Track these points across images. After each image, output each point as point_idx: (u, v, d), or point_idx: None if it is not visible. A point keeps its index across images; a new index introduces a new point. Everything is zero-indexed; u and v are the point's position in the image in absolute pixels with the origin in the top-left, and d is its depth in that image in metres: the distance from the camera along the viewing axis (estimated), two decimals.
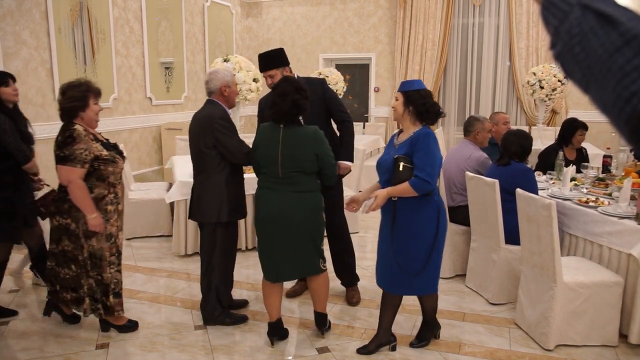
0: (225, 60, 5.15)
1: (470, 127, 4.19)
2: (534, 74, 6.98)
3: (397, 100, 2.86)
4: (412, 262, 2.81)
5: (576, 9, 0.62)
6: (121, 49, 6.84)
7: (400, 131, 2.97)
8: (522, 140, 3.70)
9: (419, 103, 2.77)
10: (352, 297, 3.77)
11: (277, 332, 3.14)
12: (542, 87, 6.89)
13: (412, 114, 2.80)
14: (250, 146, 3.15)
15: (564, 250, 3.59)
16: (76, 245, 3.02)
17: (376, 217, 6.37)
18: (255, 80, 5.28)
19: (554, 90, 6.89)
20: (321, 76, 7.18)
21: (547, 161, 4.68)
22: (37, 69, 5.57)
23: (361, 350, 3.06)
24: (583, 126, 4.76)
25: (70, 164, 2.87)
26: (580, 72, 0.63)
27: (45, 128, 5.60)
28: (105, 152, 2.99)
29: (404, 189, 2.71)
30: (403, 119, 2.85)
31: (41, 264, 3.54)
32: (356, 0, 9.45)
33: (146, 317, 3.51)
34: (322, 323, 3.21)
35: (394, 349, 3.09)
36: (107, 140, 3.15)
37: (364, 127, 9.01)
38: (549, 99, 7.02)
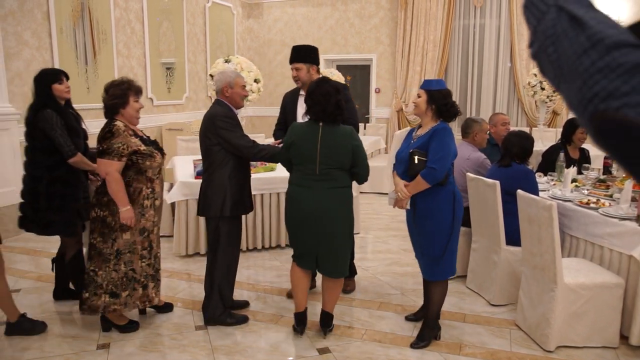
0: (226, 61, 5.16)
1: (468, 129, 4.20)
2: (535, 75, 6.98)
3: (419, 97, 3.02)
4: (432, 247, 3.02)
5: (552, 9, 0.65)
6: (122, 49, 6.85)
7: (419, 126, 3.13)
8: (524, 142, 3.70)
9: (441, 102, 2.96)
10: (347, 286, 3.91)
11: (303, 321, 3.23)
12: (543, 89, 6.89)
13: (434, 112, 2.98)
14: (253, 140, 3.29)
15: (565, 251, 3.59)
16: (107, 239, 3.09)
17: (376, 218, 6.36)
18: (256, 80, 5.29)
19: (555, 91, 6.89)
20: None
21: (550, 160, 4.67)
22: (38, 69, 5.56)
23: (410, 318, 3.46)
24: None
25: (107, 157, 2.99)
26: (552, 71, 0.66)
27: None
28: (143, 147, 3.11)
29: (418, 182, 2.93)
30: (425, 115, 3.02)
31: (69, 265, 3.59)
32: (357, 1, 9.46)
33: (147, 318, 3.51)
34: (327, 323, 3.23)
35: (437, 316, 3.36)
36: (147, 137, 3.28)
37: (364, 128, 9.01)
38: (550, 100, 7.03)
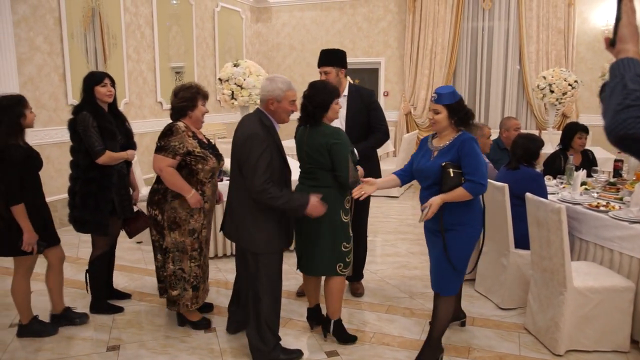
0: (235, 65, 5.19)
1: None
2: (544, 77, 6.95)
3: (438, 113, 2.81)
4: (464, 260, 2.88)
5: (619, 77, 1.18)
6: (132, 54, 6.92)
7: (433, 136, 2.98)
8: (528, 143, 3.69)
9: (462, 114, 2.82)
10: (357, 290, 3.97)
11: (314, 316, 3.38)
12: (552, 91, 6.85)
13: (455, 123, 2.84)
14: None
15: (575, 255, 3.57)
16: (161, 236, 3.21)
17: (385, 221, 6.34)
18: None
19: (564, 94, 6.85)
20: None
21: (552, 167, 4.65)
22: (50, 74, 5.64)
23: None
24: (583, 129, 4.66)
25: (163, 154, 3.10)
26: (604, 108, 1.20)
27: (57, 132, 5.68)
28: (198, 149, 3.17)
29: (460, 194, 2.73)
30: (446, 128, 2.85)
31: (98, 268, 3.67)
32: (365, 4, 9.47)
33: (156, 320, 3.54)
34: (326, 327, 3.25)
35: (463, 324, 3.41)
36: (208, 141, 3.37)
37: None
38: (560, 103, 6.99)
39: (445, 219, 2.81)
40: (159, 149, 3.11)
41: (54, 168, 5.64)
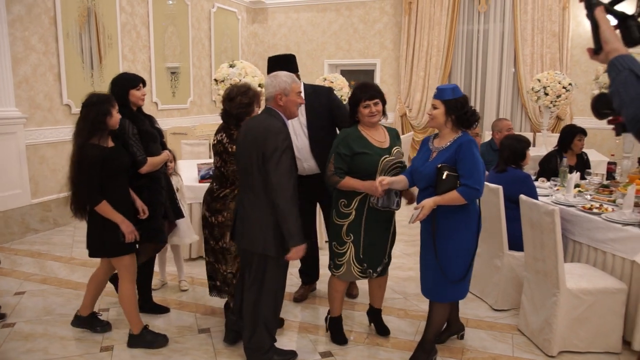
0: (231, 66, 5.18)
1: None
2: (539, 80, 6.98)
3: (436, 108, 2.79)
4: (455, 269, 2.79)
5: (626, 70, 1.26)
6: (128, 54, 6.91)
7: (435, 135, 2.93)
8: (515, 144, 3.70)
9: (461, 112, 2.75)
10: (352, 290, 3.98)
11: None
12: (546, 94, 6.89)
13: (453, 122, 2.77)
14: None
15: (568, 256, 3.59)
16: None
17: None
18: (260, 85, 5.31)
19: (558, 96, 6.88)
20: (326, 82, 7.21)
21: (548, 167, 4.68)
22: (45, 74, 5.63)
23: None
24: (582, 132, 4.72)
25: None
26: (619, 102, 1.27)
27: (52, 132, 5.66)
28: None
29: (453, 197, 2.67)
30: (444, 127, 2.80)
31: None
32: (361, 6, 9.49)
33: (151, 321, 3.52)
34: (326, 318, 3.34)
35: (462, 337, 3.27)
36: None
37: None
38: (554, 106, 7.02)
39: (439, 223, 2.76)
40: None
41: (49, 168, 5.61)
